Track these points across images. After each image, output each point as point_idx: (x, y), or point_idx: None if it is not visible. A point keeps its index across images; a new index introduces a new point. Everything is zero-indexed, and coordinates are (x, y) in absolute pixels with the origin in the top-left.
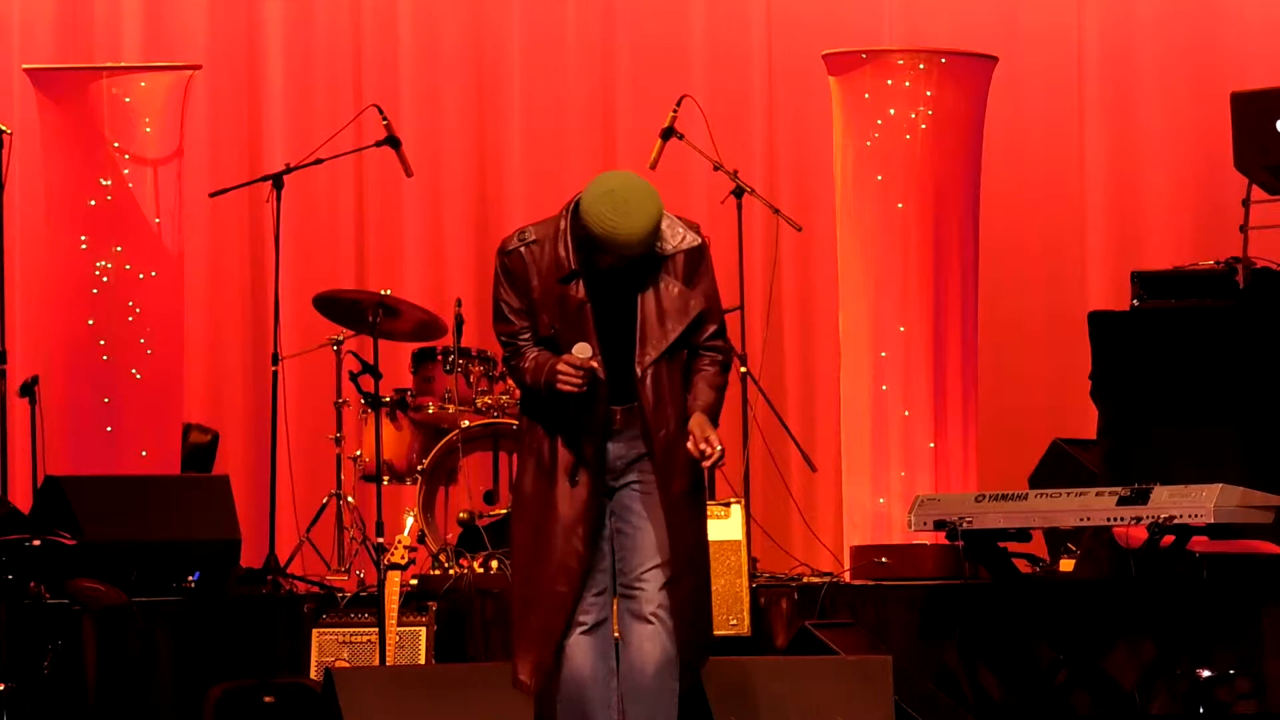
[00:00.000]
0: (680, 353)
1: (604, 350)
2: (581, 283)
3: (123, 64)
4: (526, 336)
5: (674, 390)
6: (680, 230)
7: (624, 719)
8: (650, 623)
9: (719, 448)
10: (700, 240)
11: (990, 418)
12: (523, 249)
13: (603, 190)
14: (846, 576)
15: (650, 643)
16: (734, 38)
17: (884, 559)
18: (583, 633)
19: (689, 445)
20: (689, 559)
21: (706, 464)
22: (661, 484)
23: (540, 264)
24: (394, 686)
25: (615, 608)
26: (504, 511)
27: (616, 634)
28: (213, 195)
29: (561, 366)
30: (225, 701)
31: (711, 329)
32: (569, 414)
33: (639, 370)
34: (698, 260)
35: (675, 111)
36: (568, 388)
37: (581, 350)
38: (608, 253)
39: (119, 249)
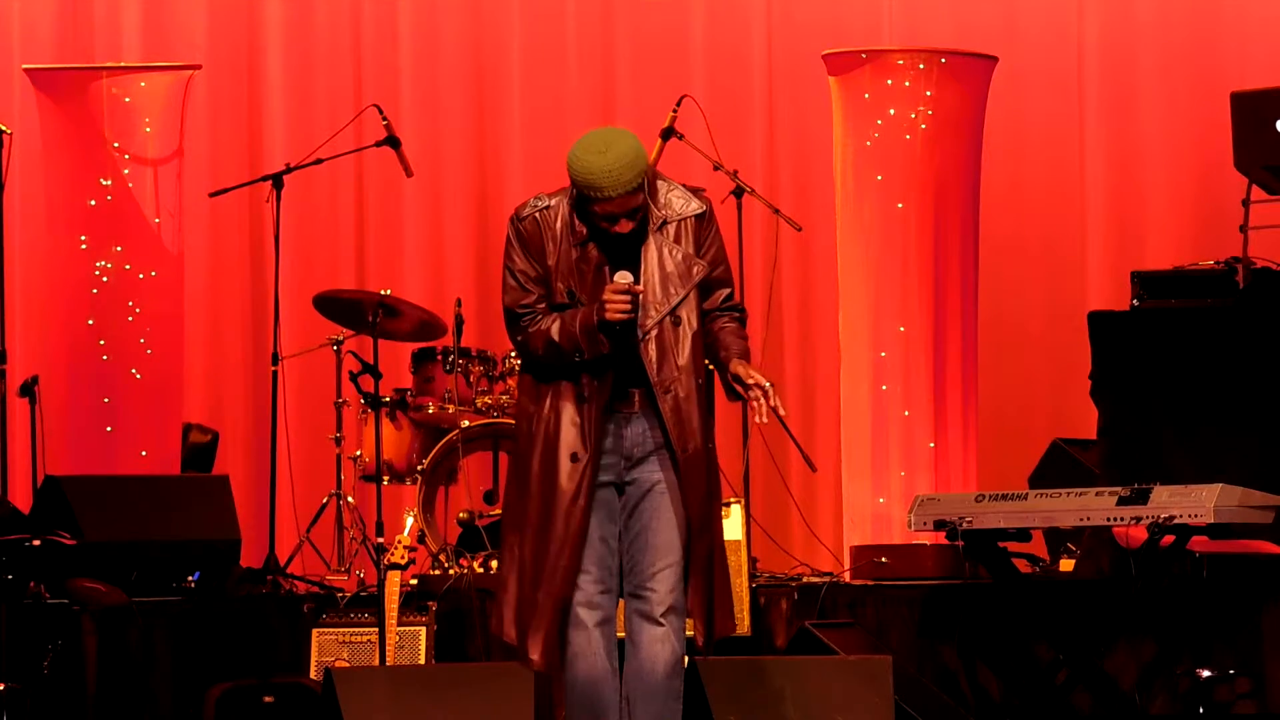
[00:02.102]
0: (691, 321)
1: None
2: (598, 245)
3: (123, 64)
4: (541, 306)
5: (681, 356)
6: (685, 197)
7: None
8: (661, 624)
9: (767, 383)
10: (705, 207)
11: (990, 418)
12: (537, 214)
13: (583, 138)
14: (846, 576)
15: (661, 644)
16: (734, 38)
17: (884, 559)
18: (595, 625)
19: (752, 390)
20: (702, 519)
21: (761, 397)
22: (674, 445)
23: (554, 229)
24: (394, 686)
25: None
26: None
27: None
28: (213, 195)
29: (607, 295)
30: (225, 701)
31: (725, 292)
32: (607, 354)
33: (640, 333)
34: (704, 226)
35: (675, 111)
36: (618, 315)
37: (623, 277)
38: (595, 200)
39: (119, 249)
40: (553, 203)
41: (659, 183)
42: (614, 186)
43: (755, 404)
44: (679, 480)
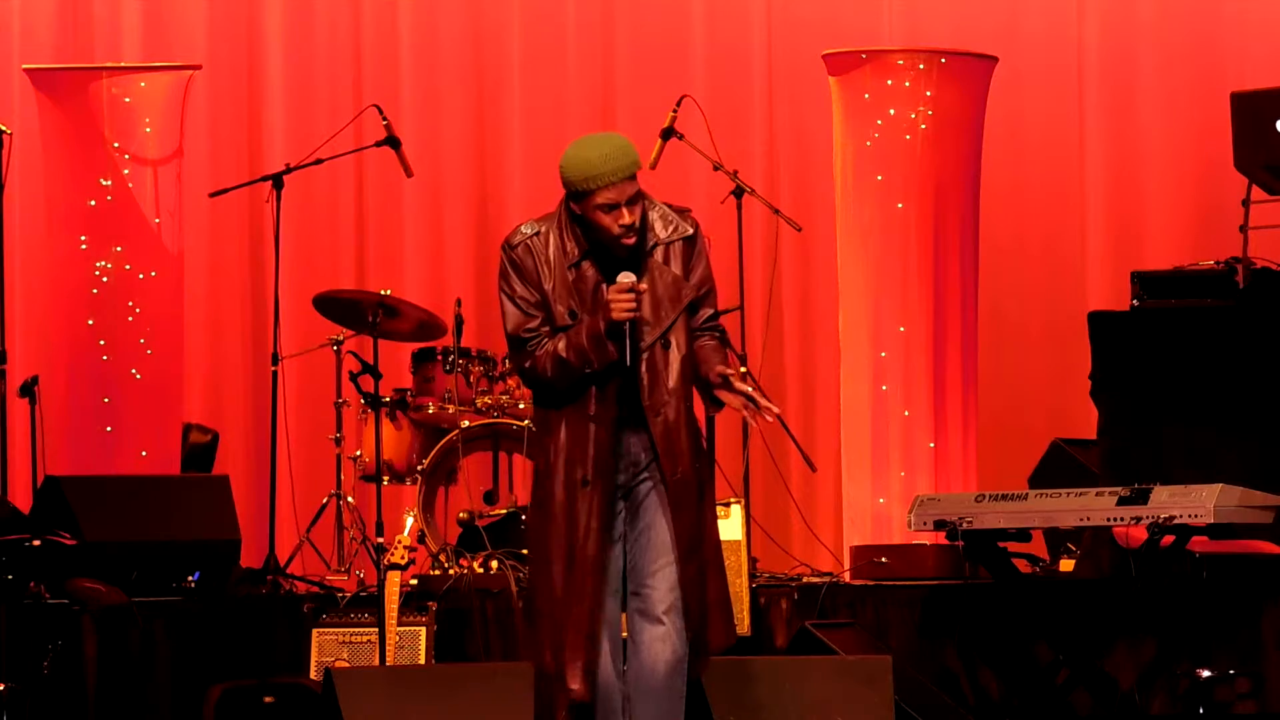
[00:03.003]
0: (680, 345)
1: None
2: (592, 263)
3: (123, 64)
4: (544, 330)
5: (670, 379)
6: (673, 219)
7: (631, 719)
8: (661, 623)
9: (750, 388)
10: (693, 229)
11: (990, 418)
12: (528, 241)
13: (572, 144)
14: (846, 576)
15: (661, 643)
16: (734, 38)
17: (884, 559)
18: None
19: (734, 388)
20: (692, 541)
21: (753, 405)
22: (664, 468)
23: (546, 254)
24: (394, 686)
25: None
26: (504, 511)
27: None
28: (213, 195)
29: (611, 295)
30: (225, 701)
31: (708, 312)
32: (619, 360)
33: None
34: (691, 248)
35: (675, 111)
36: (623, 314)
37: (625, 277)
38: (596, 190)
39: (119, 249)
40: (541, 229)
41: (646, 202)
42: (614, 172)
43: (748, 410)
44: (669, 503)
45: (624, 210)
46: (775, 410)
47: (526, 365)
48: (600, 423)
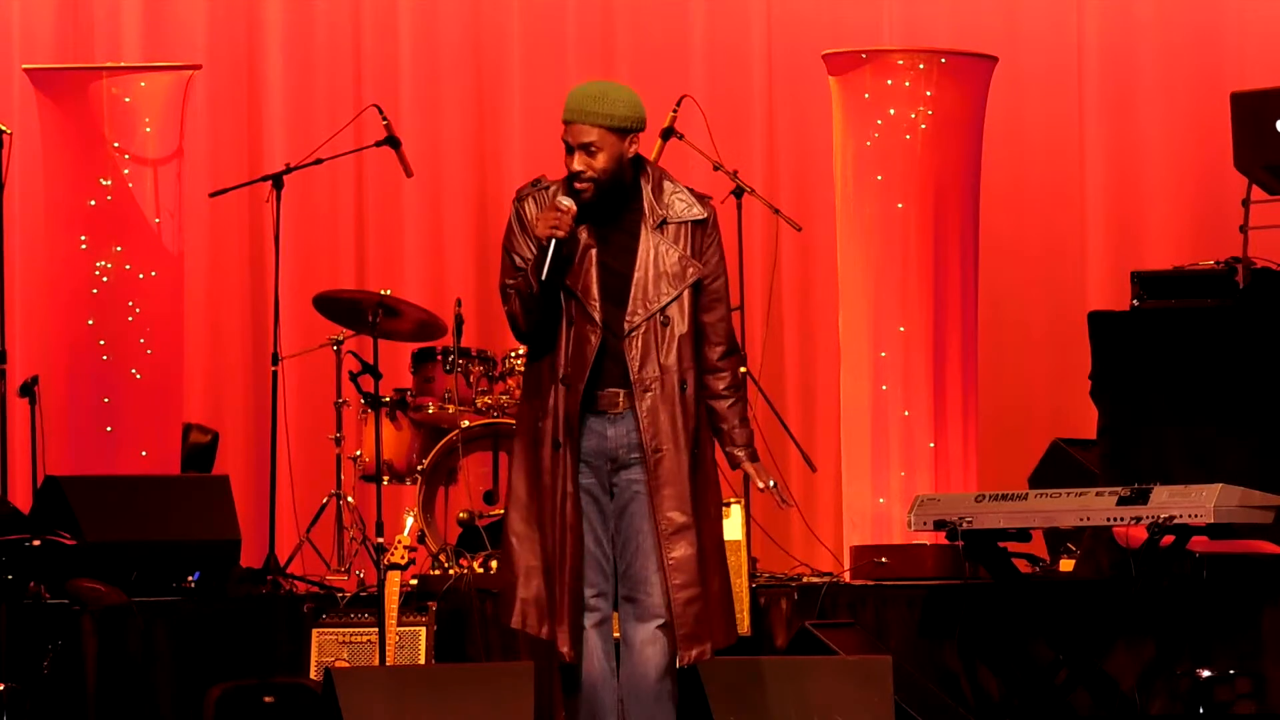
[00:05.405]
0: (680, 323)
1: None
2: (588, 227)
3: (123, 64)
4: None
5: (665, 356)
6: (689, 201)
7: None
8: (653, 627)
9: (772, 483)
10: (707, 214)
11: (990, 418)
12: (534, 194)
13: None
14: (846, 576)
15: (654, 646)
16: (734, 38)
17: (884, 559)
18: (592, 626)
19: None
20: (677, 522)
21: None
22: (645, 445)
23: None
24: (394, 686)
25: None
26: (504, 511)
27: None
28: (213, 195)
29: (543, 211)
30: (225, 701)
31: (719, 313)
32: (550, 280)
33: (626, 327)
34: (703, 233)
35: (675, 111)
36: (546, 229)
37: (564, 200)
38: (564, 125)
39: (119, 249)
40: (552, 186)
41: (665, 182)
42: (570, 110)
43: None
44: (651, 485)
45: (576, 154)
46: (793, 505)
47: (507, 311)
48: (569, 384)
